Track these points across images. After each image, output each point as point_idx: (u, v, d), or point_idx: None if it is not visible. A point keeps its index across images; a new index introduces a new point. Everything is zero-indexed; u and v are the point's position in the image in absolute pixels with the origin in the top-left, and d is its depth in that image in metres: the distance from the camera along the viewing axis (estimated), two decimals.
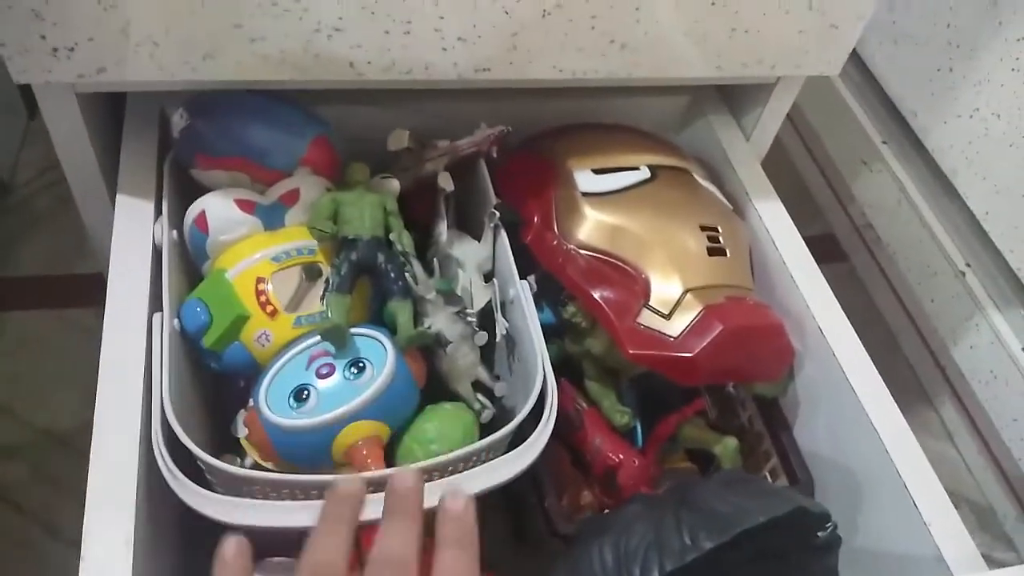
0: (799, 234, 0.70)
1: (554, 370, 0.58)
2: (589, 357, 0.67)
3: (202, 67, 0.58)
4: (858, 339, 0.63)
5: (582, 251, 0.62)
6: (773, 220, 0.70)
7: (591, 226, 0.62)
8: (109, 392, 0.51)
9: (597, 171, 0.65)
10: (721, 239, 0.62)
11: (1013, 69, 0.91)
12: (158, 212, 0.60)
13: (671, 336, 0.58)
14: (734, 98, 0.80)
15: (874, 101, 1.14)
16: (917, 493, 0.56)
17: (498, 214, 0.64)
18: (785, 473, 0.67)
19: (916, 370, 1.06)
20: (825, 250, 1.26)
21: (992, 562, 0.94)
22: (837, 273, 1.19)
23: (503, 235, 0.64)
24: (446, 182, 0.64)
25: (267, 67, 0.59)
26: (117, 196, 0.61)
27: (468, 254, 0.64)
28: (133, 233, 0.59)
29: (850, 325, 0.64)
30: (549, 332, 0.67)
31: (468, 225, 0.68)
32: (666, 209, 0.63)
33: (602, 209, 0.63)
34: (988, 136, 0.96)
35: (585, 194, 0.63)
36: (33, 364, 0.90)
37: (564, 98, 0.74)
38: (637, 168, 0.65)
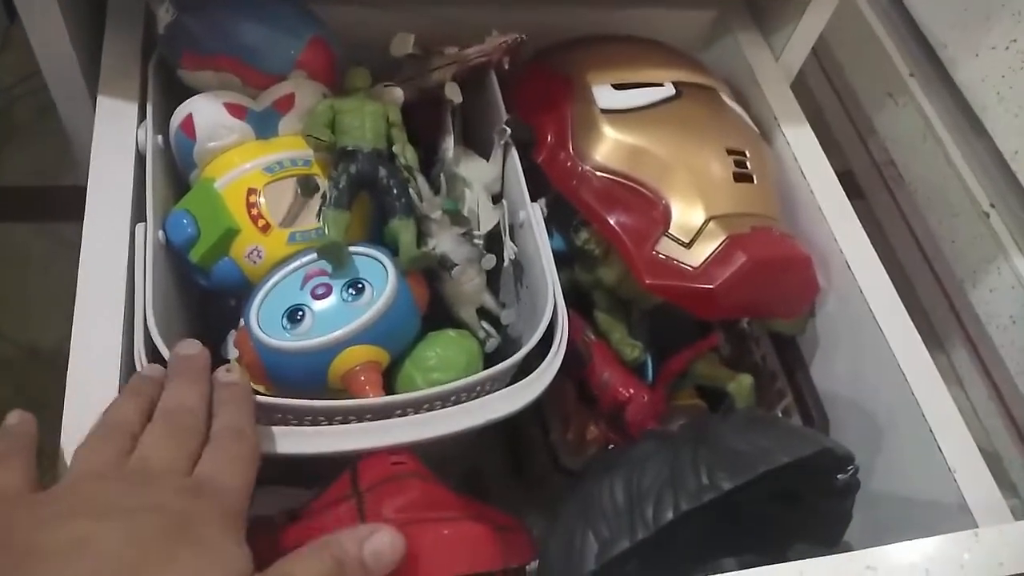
0: (828, 162, 0.66)
1: (564, 300, 0.55)
2: (600, 287, 0.63)
3: None
4: (887, 276, 0.60)
5: (598, 173, 0.58)
6: (801, 146, 0.66)
7: (609, 146, 0.58)
8: (88, 308, 0.48)
9: (617, 86, 0.60)
10: (748, 164, 0.58)
11: None
12: (142, 116, 0.56)
13: (691, 266, 0.54)
14: (764, 14, 0.74)
15: (903, 31, 1.08)
16: (943, 438, 0.53)
17: (509, 131, 0.59)
18: (799, 413, 0.64)
19: (929, 314, 1.04)
20: (842, 186, 1.22)
21: None
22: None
23: (514, 154, 0.59)
24: (453, 93, 0.59)
25: None
26: (98, 98, 0.57)
27: (476, 173, 0.60)
28: (115, 138, 0.55)
29: (879, 261, 0.61)
30: (559, 260, 0.63)
31: (476, 143, 0.63)
32: (691, 130, 0.58)
33: (622, 128, 0.58)
34: (1023, 69, 0.91)
35: (604, 111, 0.59)
36: (14, 279, 0.87)
37: (582, 6, 0.68)
38: (661, 84, 0.60)
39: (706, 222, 0.55)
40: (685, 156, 0.56)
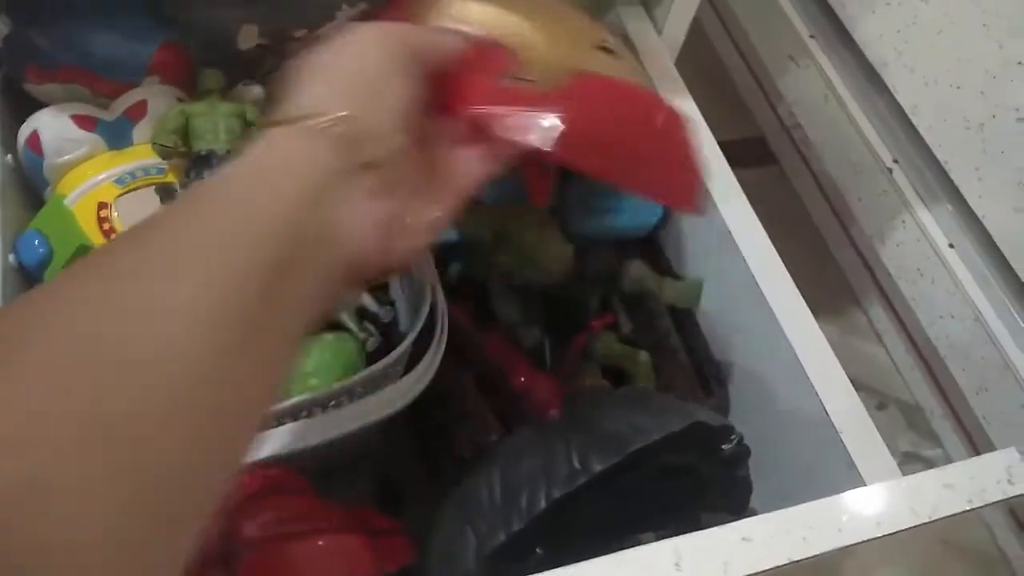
0: (711, 133, 0.65)
1: (458, 292, 0.53)
2: (495, 275, 0.62)
3: None
4: (770, 244, 0.60)
5: None
6: None
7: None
8: None
9: None
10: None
11: None
12: None
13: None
14: None
15: None
16: (828, 401, 0.53)
17: None
18: (701, 387, 0.64)
19: (845, 272, 1.04)
20: (755, 153, 1.22)
21: (920, 460, 0.95)
22: (767, 177, 1.15)
23: None
24: None
25: None
26: None
27: None
28: None
29: (763, 230, 0.60)
30: (451, 252, 0.62)
31: None
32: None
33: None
34: (917, 24, 0.91)
35: None
36: None
37: None
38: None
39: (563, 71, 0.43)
40: (545, 22, 0.46)
